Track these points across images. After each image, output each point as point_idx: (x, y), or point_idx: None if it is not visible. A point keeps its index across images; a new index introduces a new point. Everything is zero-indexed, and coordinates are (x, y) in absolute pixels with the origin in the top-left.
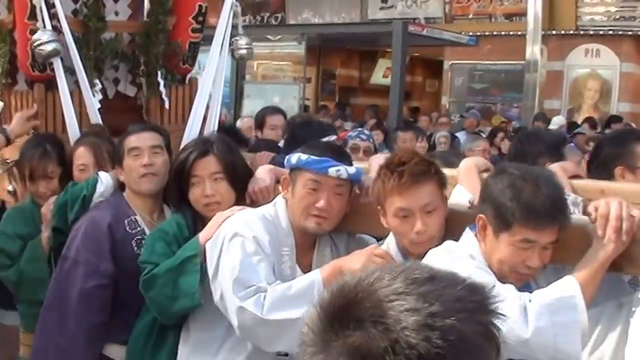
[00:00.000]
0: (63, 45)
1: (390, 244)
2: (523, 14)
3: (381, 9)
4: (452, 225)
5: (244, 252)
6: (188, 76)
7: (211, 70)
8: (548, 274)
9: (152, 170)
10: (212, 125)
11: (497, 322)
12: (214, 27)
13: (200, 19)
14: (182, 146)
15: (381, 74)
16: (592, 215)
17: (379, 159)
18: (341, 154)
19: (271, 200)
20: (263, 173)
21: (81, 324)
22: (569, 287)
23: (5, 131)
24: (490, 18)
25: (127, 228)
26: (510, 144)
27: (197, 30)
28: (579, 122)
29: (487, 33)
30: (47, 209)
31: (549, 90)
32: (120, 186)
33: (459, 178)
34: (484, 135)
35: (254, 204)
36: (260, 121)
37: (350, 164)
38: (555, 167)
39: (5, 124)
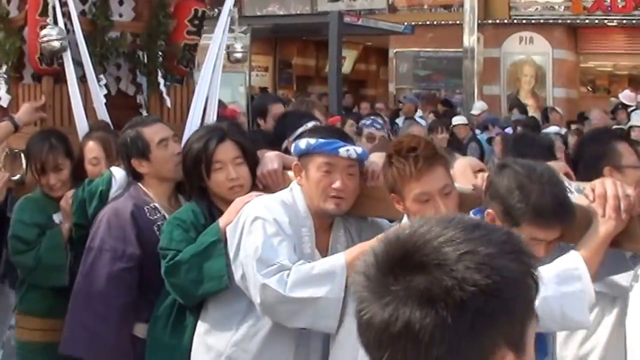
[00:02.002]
0: (71, 42)
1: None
2: (460, 4)
3: (329, 1)
4: (459, 207)
5: (266, 234)
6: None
7: (208, 71)
8: (553, 253)
9: (180, 158)
10: (211, 121)
11: (534, 263)
12: None
13: (197, 22)
14: (182, 144)
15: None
16: (589, 196)
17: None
18: (345, 136)
19: (283, 187)
20: (271, 157)
21: (111, 305)
22: (573, 261)
23: (13, 119)
24: (430, 9)
25: (148, 215)
26: (503, 146)
27: (193, 32)
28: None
29: (427, 22)
30: (66, 202)
31: (487, 77)
32: (134, 177)
33: (454, 178)
34: (423, 121)
35: (266, 189)
36: (262, 110)
37: (354, 142)
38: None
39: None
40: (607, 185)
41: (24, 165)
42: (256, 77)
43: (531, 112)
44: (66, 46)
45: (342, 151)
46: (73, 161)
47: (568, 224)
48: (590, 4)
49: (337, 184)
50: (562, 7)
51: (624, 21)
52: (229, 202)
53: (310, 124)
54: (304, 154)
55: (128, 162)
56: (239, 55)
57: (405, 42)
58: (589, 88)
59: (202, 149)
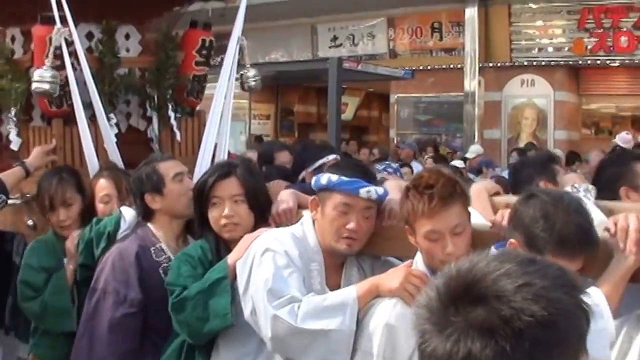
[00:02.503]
0: (79, 81)
1: (418, 262)
2: (461, 48)
3: (330, 47)
4: (475, 243)
5: (276, 265)
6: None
7: (219, 103)
8: None
9: None
10: (223, 156)
11: (585, 298)
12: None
13: (204, 52)
14: (194, 177)
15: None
16: (611, 229)
17: (393, 183)
18: (369, 174)
19: (296, 222)
20: (286, 195)
21: (113, 352)
22: (594, 297)
23: (24, 164)
24: (430, 53)
25: (154, 256)
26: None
27: (201, 63)
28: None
29: (429, 67)
30: (72, 243)
31: (488, 121)
32: (143, 216)
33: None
34: (420, 166)
35: (278, 227)
36: (269, 157)
37: (377, 184)
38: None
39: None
40: (629, 219)
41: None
42: (257, 125)
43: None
44: (56, 90)
45: (363, 192)
46: (84, 198)
47: (591, 254)
48: (592, 45)
49: (351, 225)
50: (564, 49)
51: (627, 61)
52: (233, 241)
53: (331, 157)
54: (323, 189)
55: (141, 198)
56: (252, 83)
57: (406, 87)
58: (591, 130)
59: (204, 181)
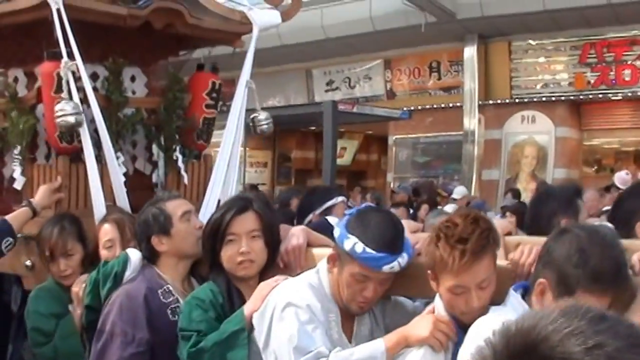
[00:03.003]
0: (86, 119)
1: (438, 307)
2: (460, 86)
3: (326, 91)
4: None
5: (299, 321)
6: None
7: (227, 148)
8: None
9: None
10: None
11: None
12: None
13: (214, 95)
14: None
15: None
16: (636, 268)
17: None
18: (396, 244)
19: (305, 266)
20: (296, 232)
21: None
22: None
23: (31, 204)
24: (429, 93)
25: (162, 298)
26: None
27: (211, 106)
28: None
29: (427, 106)
30: (78, 286)
31: (488, 160)
32: (149, 259)
33: None
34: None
35: (287, 266)
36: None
37: (404, 246)
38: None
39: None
40: None
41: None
42: (254, 173)
43: (530, 195)
44: (82, 120)
45: (386, 268)
46: (85, 247)
47: (622, 291)
48: (594, 79)
49: (367, 293)
50: (565, 84)
51: (629, 94)
52: (242, 280)
53: (340, 199)
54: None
55: (147, 241)
56: (264, 127)
57: (405, 128)
58: (592, 167)
59: (219, 218)
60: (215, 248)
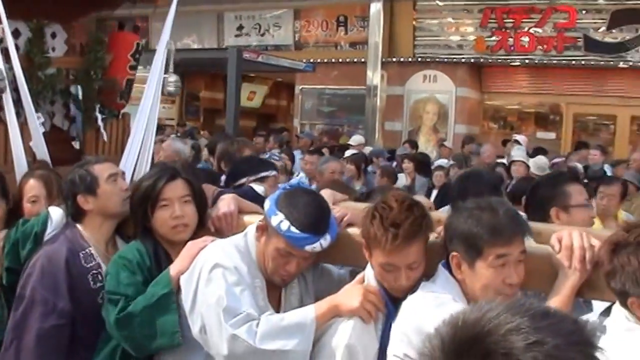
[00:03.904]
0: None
1: (369, 277)
2: (366, 42)
3: (236, 36)
4: (431, 257)
5: (227, 282)
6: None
7: (147, 106)
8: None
9: (129, 193)
10: (147, 158)
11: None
12: None
13: (137, 56)
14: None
15: (245, 97)
16: (555, 246)
17: (327, 193)
18: (320, 226)
19: (237, 232)
20: (227, 199)
21: None
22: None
23: None
24: (335, 46)
25: (83, 262)
26: (453, 183)
27: (134, 67)
28: (418, 142)
29: (333, 60)
30: None
31: (390, 113)
32: (73, 217)
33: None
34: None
35: (218, 232)
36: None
37: (328, 228)
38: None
39: None
40: (573, 236)
41: None
42: (162, 109)
43: (431, 147)
44: (5, 87)
45: (309, 248)
46: (8, 202)
47: (527, 235)
48: (494, 44)
49: (289, 267)
50: (467, 46)
51: (527, 61)
52: (174, 244)
53: (273, 172)
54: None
55: (73, 200)
56: (172, 89)
57: (311, 79)
58: (493, 125)
59: (151, 185)
60: (147, 213)
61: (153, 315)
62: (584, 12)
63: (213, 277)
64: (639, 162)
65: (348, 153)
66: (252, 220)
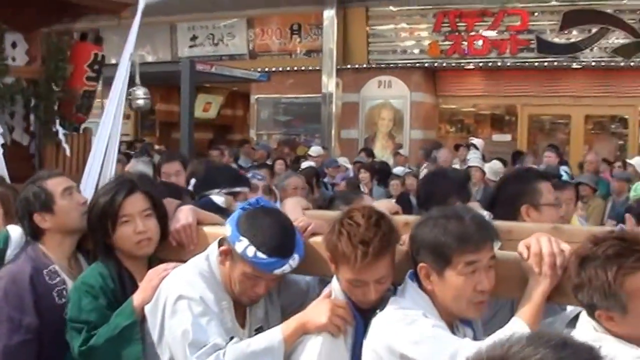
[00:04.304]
0: None
1: (336, 290)
2: (320, 50)
3: (190, 47)
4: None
5: (193, 315)
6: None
7: (109, 121)
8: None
9: (87, 207)
10: (109, 174)
11: None
12: None
13: (96, 67)
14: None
15: (201, 109)
16: (524, 254)
17: (291, 202)
18: (287, 247)
19: (198, 247)
20: (185, 211)
21: None
22: (517, 328)
23: None
24: (290, 54)
25: (48, 279)
26: (418, 186)
27: (92, 78)
28: (374, 149)
29: (288, 68)
30: None
31: (345, 121)
32: (32, 236)
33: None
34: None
35: (179, 245)
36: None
37: (295, 248)
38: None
39: None
40: (542, 242)
41: None
42: None
43: (387, 154)
44: None
45: (278, 271)
46: None
47: (495, 240)
48: (447, 48)
49: (259, 290)
50: (419, 51)
51: (481, 64)
52: (137, 260)
53: (246, 189)
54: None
55: (29, 219)
56: (141, 102)
57: (266, 88)
58: (450, 128)
59: (109, 202)
60: (107, 231)
61: (117, 347)
62: (536, 14)
63: (178, 309)
64: (594, 165)
65: (305, 164)
66: (213, 232)
